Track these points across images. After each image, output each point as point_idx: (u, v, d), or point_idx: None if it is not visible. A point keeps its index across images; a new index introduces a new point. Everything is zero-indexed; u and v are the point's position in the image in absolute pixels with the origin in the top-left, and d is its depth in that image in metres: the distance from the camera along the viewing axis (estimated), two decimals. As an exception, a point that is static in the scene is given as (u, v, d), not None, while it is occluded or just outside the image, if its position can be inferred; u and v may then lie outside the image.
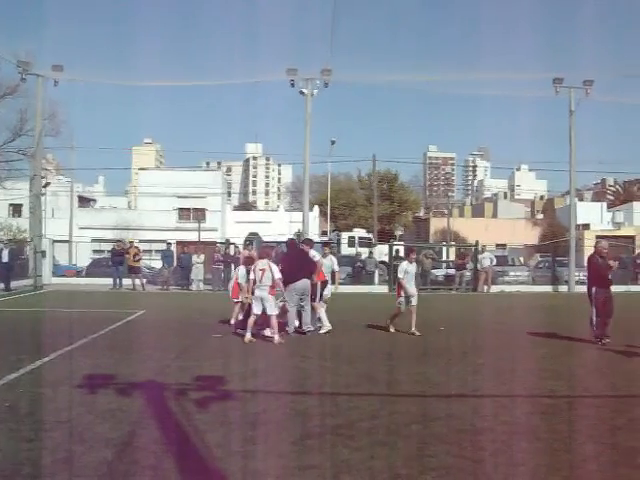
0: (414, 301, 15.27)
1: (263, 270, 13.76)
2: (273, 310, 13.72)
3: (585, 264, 14.60)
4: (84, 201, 74.57)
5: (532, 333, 15.09)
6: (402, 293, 15.24)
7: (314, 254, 15.72)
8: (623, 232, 56.27)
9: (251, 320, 13.82)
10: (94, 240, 53.34)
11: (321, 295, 15.45)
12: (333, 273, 16.97)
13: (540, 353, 12.42)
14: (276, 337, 13.52)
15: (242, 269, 14.83)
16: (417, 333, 14.79)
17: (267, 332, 14.04)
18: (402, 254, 37.79)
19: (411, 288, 15.28)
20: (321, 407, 8.18)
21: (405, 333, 14.85)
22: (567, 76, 35.60)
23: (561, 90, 35.05)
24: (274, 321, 13.74)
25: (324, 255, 16.73)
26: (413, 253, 15.96)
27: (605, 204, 78.22)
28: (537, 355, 12.30)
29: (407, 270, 15.17)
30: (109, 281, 31.99)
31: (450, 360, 11.74)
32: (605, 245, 14.09)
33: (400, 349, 12.96)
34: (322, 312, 15.22)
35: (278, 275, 13.79)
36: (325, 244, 19.52)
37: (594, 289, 13.78)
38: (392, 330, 15.21)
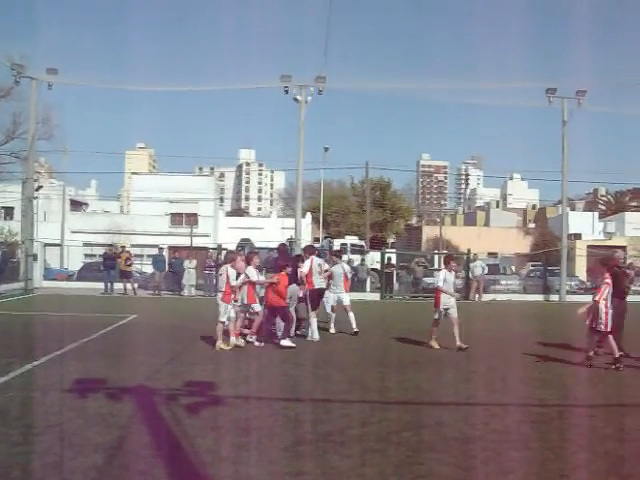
0: (454, 312, 14.27)
1: (221, 276, 14.00)
2: (221, 317, 13.60)
3: (576, 274, 14.58)
4: (76, 205, 74.42)
5: (523, 342, 15.13)
6: (441, 304, 14.31)
7: (320, 262, 15.85)
8: (614, 242, 56.40)
9: (220, 327, 13.68)
10: (86, 244, 53.25)
11: (318, 304, 15.50)
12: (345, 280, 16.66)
13: (531, 362, 12.44)
14: (218, 343, 13.41)
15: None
16: (464, 346, 13.78)
17: (249, 337, 14.21)
18: (394, 261, 37.89)
19: (451, 298, 14.42)
20: (312, 414, 8.18)
21: (446, 348, 13.94)
22: (560, 86, 35.76)
23: (554, 100, 35.16)
24: (231, 326, 13.77)
25: (334, 263, 16.60)
26: (453, 261, 15.17)
27: (597, 214, 78.57)
28: (528, 364, 12.31)
29: (446, 279, 14.34)
30: (100, 285, 31.90)
31: (441, 368, 11.76)
32: (621, 255, 13.93)
33: (391, 356, 12.96)
34: (314, 322, 15.13)
35: (234, 282, 13.76)
36: (334, 252, 19.13)
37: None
38: (436, 346, 14.11)
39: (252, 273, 14.12)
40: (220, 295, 13.80)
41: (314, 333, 15.05)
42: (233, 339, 13.65)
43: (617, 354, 12.03)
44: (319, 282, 15.57)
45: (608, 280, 12.38)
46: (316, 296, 15.42)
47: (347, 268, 16.82)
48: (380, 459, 6.27)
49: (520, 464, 6.26)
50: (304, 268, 15.38)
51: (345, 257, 18.46)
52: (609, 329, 12.12)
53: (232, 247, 34.51)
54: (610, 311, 12.14)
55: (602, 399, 9.61)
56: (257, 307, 14.24)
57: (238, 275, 13.92)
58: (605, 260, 13.00)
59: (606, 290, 12.21)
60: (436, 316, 14.34)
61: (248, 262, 14.40)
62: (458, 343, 13.83)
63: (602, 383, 10.64)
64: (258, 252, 15.42)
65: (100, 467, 5.84)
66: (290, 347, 13.67)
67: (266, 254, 31.71)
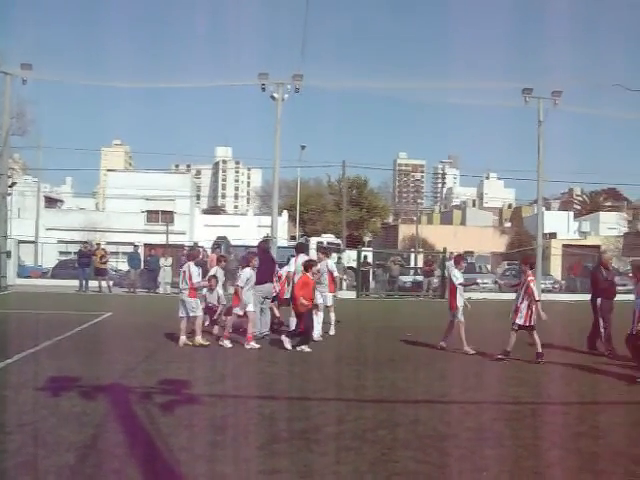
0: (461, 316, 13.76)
1: (184, 272, 13.96)
2: (196, 312, 13.78)
3: (551, 272, 14.67)
4: (51, 202, 73.78)
5: (498, 340, 15.19)
6: (460, 304, 13.74)
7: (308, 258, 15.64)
8: (589, 241, 56.98)
9: (183, 324, 13.82)
10: (60, 241, 52.78)
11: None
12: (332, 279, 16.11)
13: (505, 360, 12.50)
14: (197, 338, 13.57)
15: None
16: (470, 351, 13.28)
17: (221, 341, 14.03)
18: (370, 260, 37.98)
19: (461, 299, 13.83)
20: (287, 412, 8.17)
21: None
22: (536, 86, 36.01)
23: (530, 100, 35.41)
24: (199, 322, 13.88)
25: (319, 260, 15.93)
26: (463, 261, 14.63)
27: (572, 213, 79.20)
28: (502, 362, 12.37)
29: (458, 277, 13.94)
30: (75, 283, 31.67)
31: (416, 366, 11.80)
32: (610, 256, 14.02)
33: (367, 355, 12.98)
34: (293, 322, 14.95)
35: (196, 279, 13.77)
36: (321, 249, 18.37)
37: (599, 300, 13.74)
38: (471, 352, 13.29)
39: (220, 274, 14.24)
40: (186, 292, 13.77)
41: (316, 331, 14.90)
42: (198, 338, 13.68)
43: (540, 349, 12.36)
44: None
45: (531, 277, 12.74)
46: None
47: (333, 266, 16.41)
48: (355, 457, 6.28)
49: (494, 461, 6.30)
50: (290, 267, 15.24)
51: (334, 255, 17.96)
52: (531, 324, 12.49)
53: (208, 245, 34.43)
54: (532, 307, 12.45)
55: (577, 397, 9.69)
56: (244, 309, 13.81)
57: (205, 273, 13.99)
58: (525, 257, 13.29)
59: (533, 286, 12.54)
60: (461, 318, 13.65)
61: (218, 262, 14.88)
62: (465, 348, 13.37)
63: (576, 381, 10.72)
64: (256, 254, 14.96)
65: (73, 466, 5.79)
66: (286, 348, 13.27)
67: (243, 252, 31.74)
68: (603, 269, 13.81)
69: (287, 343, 13.28)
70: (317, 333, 14.85)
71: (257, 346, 13.39)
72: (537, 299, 12.47)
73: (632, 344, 11.16)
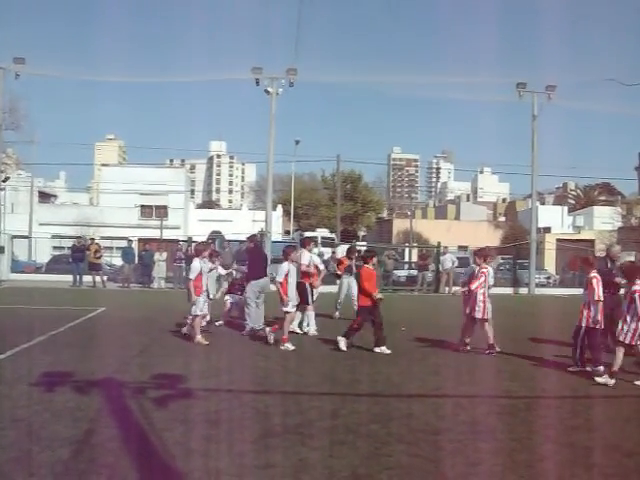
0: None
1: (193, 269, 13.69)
2: (195, 311, 13.31)
3: (545, 267, 14.56)
4: (45, 197, 73.70)
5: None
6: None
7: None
8: (583, 236, 57.02)
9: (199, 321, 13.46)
10: (54, 236, 52.69)
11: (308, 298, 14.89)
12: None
13: (499, 354, 12.53)
14: (198, 337, 13.15)
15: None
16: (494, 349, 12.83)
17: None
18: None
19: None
20: (281, 406, 8.18)
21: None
22: (530, 81, 36.09)
23: (524, 95, 35.49)
24: (198, 322, 13.43)
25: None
26: (489, 257, 13.83)
27: (566, 208, 79.25)
28: (496, 356, 12.40)
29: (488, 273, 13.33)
30: (69, 278, 31.64)
31: (410, 360, 11.82)
32: (618, 250, 13.86)
33: (362, 349, 12.98)
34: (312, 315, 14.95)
35: (192, 276, 13.50)
36: (302, 241, 18.07)
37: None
38: (497, 349, 12.81)
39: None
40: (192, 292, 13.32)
41: (312, 327, 14.94)
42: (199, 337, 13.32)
43: (491, 341, 12.64)
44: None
45: (484, 269, 12.97)
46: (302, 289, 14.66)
47: (317, 259, 15.95)
48: (348, 451, 6.29)
49: (487, 455, 6.31)
50: (304, 260, 14.76)
51: (316, 249, 17.77)
52: (485, 316, 12.68)
53: (202, 239, 34.38)
54: (488, 300, 12.73)
55: (570, 391, 9.72)
56: (288, 308, 13.26)
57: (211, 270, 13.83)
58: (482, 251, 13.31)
59: (482, 278, 12.75)
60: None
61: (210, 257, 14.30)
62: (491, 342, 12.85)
63: (569, 375, 10.75)
64: (296, 247, 14.77)
65: (67, 461, 5.79)
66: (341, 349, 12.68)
67: (237, 246, 31.72)
68: (609, 260, 13.45)
69: (343, 344, 12.67)
70: (313, 328, 14.89)
71: (292, 347, 12.78)
72: (473, 288, 12.79)
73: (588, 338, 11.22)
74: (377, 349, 12.55)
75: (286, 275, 13.16)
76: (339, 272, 18.92)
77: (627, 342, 10.20)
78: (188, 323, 13.90)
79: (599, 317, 10.80)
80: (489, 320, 12.85)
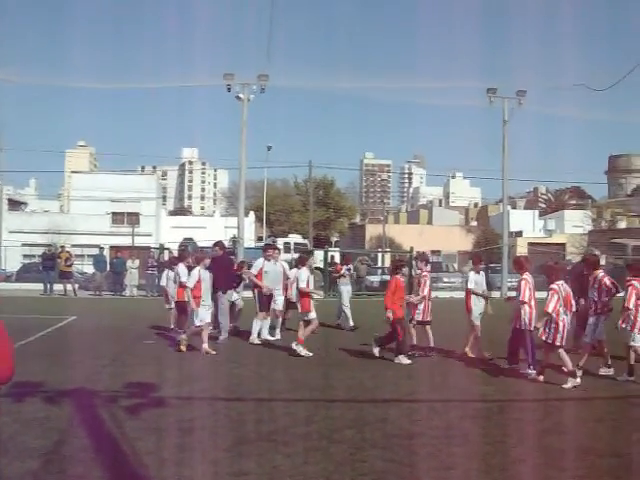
0: (477, 319, 13.09)
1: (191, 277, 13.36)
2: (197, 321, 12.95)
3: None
4: (14, 204, 72.83)
5: (462, 338, 15.25)
6: (474, 307, 13.11)
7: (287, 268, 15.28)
8: (554, 239, 57.60)
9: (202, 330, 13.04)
10: (24, 244, 52.11)
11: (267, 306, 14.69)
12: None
13: (471, 358, 12.56)
14: (204, 346, 12.83)
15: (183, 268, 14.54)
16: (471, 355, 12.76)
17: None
18: (337, 260, 37.99)
19: (482, 301, 13.30)
20: (255, 413, 8.15)
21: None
22: (501, 86, 36.42)
23: (495, 100, 35.76)
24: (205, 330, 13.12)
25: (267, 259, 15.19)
26: (481, 262, 13.65)
27: (537, 212, 79.95)
28: (468, 360, 12.44)
29: (477, 281, 13.40)
30: (40, 286, 31.29)
31: (384, 365, 11.82)
32: (597, 257, 13.99)
33: (334, 355, 12.97)
34: (257, 324, 14.73)
35: (183, 279, 13.48)
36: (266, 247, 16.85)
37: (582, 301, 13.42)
38: (472, 355, 12.73)
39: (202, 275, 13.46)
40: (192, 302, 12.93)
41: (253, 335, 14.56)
42: (205, 346, 12.90)
43: (432, 344, 12.97)
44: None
45: (426, 273, 13.61)
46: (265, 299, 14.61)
47: (286, 266, 15.77)
48: (322, 457, 6.26)
49: (461, 459, 6.33)
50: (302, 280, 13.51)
51: (287, 256, 17.61)
52: (428, 319, 13.17)
53: (174, 246, 34.20)
54: (429, 303, 13.19)
55: (542, 393, 9.77)
56: (312, 315, 13.05)
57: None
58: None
59: (422, 281, 13.45)
60: (473, 322, 13.04)
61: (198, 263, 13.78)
62: (467, 349, 12.91)
63: (546, 379, 10.81)
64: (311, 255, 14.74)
65: (37, 472, 5.71)
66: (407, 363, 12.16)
67: (210, 253, 31.56)
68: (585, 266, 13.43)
69: (376, 350, 12.49)
70: (265, 332, 14.72)
71: (310, 354, 12.60)
72: (424, 295, 13.39)
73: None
74: (398, 358, 12.20)
75: (307, 283, 13.06)
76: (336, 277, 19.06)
77: (553, 343, 10.38)
78: (180, 333, 13.60)
79: (527, 319, 10.97)
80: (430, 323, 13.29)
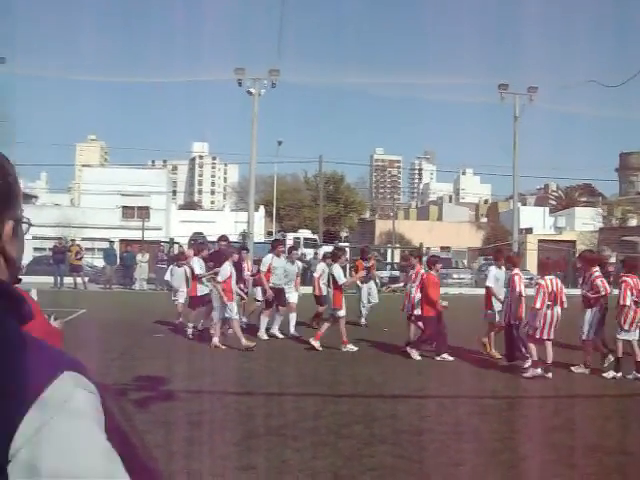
0: (498, 316, 12.30)
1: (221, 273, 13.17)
2: (234, 314, 12.87)
3: (527, 267, 14.62)
4: (25, 198, 73.07)
5: (473, 334, 15.19)
6: (492, 305, 12.49)
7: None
8: (564, 237, 57.34)
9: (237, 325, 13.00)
10: (35, 237, 52.29)
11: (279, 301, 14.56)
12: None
13: (477, 354, 12.54)
14: (243, 341, 12.61)
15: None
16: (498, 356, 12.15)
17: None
18: (347, 256, 37.96)
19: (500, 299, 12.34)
20: (264, 407, 8.16)
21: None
22: (512, 82, 36.28)
23: (506, 96, 35.62)
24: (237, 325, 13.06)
25: (289, 260, 15.27)
26: (503, 257, 13.13)
27: (547, 209, 79.60)
28: (478, 356, 12.42)
29: (497, 277, 12.64)
30: (50, 279, 31.40)
31: (393, 361, 11.82)
32: (608, 254, 14.00)
33: (344, 350, 12.97)
34: (264, 319, 14.59)
35: (198, 272, 13.57)
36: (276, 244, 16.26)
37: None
38: (498, 356, 12.18)
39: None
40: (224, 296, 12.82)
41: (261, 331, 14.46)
42: (215, 340, 12.91)
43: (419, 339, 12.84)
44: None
45: (419, 268, 13.28)
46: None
47: (300, 265, 15.80)
48: (331, 452, 6.27)
49: (470, 455, 6.32)
50: (339, 277, 13.30)
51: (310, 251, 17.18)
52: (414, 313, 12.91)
53: (184, 240, 34.26)
54: (417, 296, 12.77)
55: (553, 390, 9.76)
56: (342, 312, 12.89)
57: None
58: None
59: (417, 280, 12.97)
60: (488, 319, 12.62)
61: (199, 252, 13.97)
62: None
63: (555, 376, 10.79)
64: (343, 251, 14.55)
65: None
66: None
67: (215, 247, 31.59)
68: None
69: (415, 354, 12.12)
70: (293, 329, 14.74)
71: (355, 348, 12.64)
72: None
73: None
74: (438, 357, 12.13)
75: (342, 279, 13.01)
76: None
77: (540, 336, 10.66)
78: (189, 327, 13.97)
79: (520, 313, 11.16)
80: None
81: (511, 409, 8.50)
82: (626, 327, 10.66)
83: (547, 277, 10.99)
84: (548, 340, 10.65)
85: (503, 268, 12.77)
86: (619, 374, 10.54)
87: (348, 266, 21.71)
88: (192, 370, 10.55)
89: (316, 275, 15.67)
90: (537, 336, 10.65)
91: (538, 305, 10.59)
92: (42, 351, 1.21)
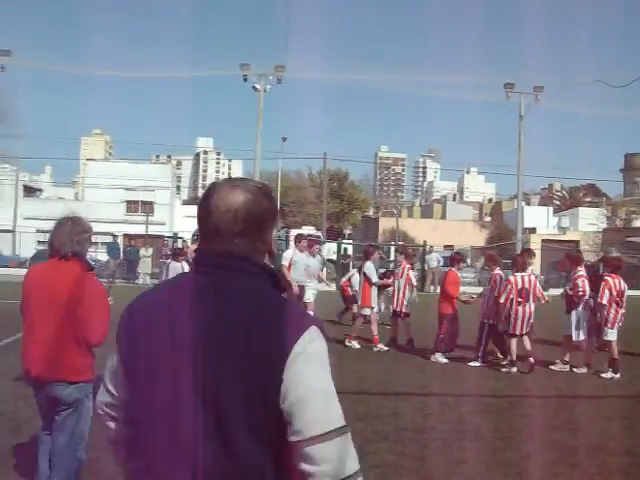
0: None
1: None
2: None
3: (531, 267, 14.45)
4: (30, 191, 73.12)
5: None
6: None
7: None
8: (568, 237, 57.27)
9: None
10: (39, 231, 52.35)
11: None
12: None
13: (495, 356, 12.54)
14: None
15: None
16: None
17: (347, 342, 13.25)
18: (350, 252, 38.00)
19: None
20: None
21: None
22: (518, 81, 36.21)
23: (512, 95, 35.56)
24: None
25: (310, 253, 14.77)
26: (533, 256, 12.87)
27: (551, 209, 79.49)
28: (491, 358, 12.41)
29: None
30: (53, 273, 31.42)
31: (396, 358, 11.82)
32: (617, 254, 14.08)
33: (345, 347, 12.97)
34: None
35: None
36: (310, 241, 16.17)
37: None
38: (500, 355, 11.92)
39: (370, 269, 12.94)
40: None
41: None
42: None
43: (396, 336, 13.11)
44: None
45: (409, 266, 13.70)
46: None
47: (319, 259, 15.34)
48: (333, 449, 6.26)
49: (471, 454, 6.33)
50: (372, 275, 13.21)
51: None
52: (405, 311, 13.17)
53: (188, 236, 34.27)
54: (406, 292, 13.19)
55: (554, 390, 9.76)
56: (367, 311, 12.89)
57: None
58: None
59: (410, 273, 13.54)
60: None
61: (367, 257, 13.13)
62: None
63: (554, 375, 10.80)
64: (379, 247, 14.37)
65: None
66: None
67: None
68: (602, 265, 13.35)
69: (440, 358, 11.79)
70: None
71: (385, 348, 12.58)
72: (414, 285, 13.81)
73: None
74: (435, 356, 11.88)
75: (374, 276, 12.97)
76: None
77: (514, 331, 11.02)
78: None
79: (495, 312, 11.31)
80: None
81: (513, 408, 8.50)
82: (609, 326, 10.91)
83: (518, 274, 11.15)
84: (522, 335, 10.99)
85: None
86: (617, 375, 10.60)
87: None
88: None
89: (285, 263, 14.58)
90: (511, 332, 11.02)
91: (502, 300, 10.97)
92: (297, 309, 1.98)
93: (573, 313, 11.20)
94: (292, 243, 15.12)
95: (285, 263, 13.66)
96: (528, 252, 13.47)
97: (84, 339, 4.42)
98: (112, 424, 2.06)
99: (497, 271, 11.74)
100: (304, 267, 13.93)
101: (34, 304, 4.40)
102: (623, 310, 11.09)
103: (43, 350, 4.32)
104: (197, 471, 1.74)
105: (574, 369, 11.07)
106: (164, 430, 1.80)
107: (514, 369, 10.83)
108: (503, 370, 10.90)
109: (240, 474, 1.74)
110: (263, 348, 1.76)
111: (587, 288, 11.20)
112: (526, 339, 11.01)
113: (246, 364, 1.75)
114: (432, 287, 33.37)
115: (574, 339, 11.16)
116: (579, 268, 11.50)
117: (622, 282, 11.21)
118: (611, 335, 10.92)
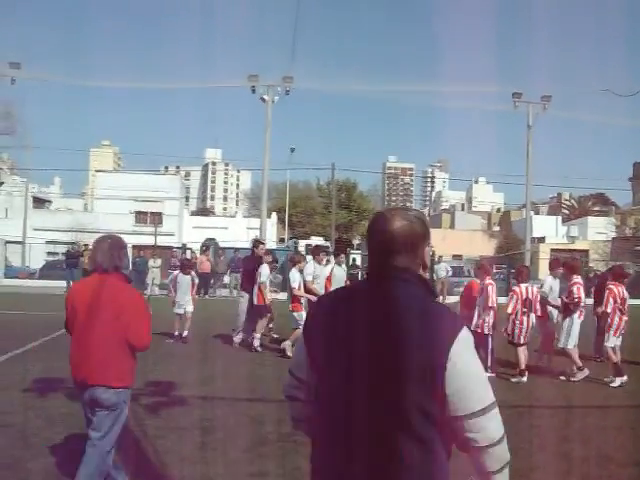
0: (550, 324, 12.32)
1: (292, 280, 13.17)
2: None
3: (539, 277, 14.52)
4: (39, 202, 73.46)
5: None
6: (552, 311, 12.25)
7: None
8: (577, 246, 57.15)
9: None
10: (48, 242, 52.56)
11: None
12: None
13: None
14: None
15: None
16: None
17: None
18: (359, 263, 38.02)
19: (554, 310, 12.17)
20: (276, 414, 8.15)
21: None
22: (526, 91, 36.25)
23: (520, 104, 35.59)
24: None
25: (338, 263, 15.01)
26: (560, 266, 12.48)
27: (560, 218, 79.33)
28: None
29: (553, 287, 12.26)
30: (63, 284, 31.51)
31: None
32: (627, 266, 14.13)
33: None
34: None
35: (294, 284, 12.95)
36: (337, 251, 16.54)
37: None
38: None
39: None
40: (290, 306, 12.91)
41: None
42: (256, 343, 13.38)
43: None
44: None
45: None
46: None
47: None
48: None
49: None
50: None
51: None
52: None
53: (197, 246, 34.33)
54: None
55: (564, 400, 9.73)
56: None
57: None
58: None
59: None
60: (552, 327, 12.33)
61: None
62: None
63: (563, 385, 10.77)
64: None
65: (60, 468, 5.76)
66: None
67: (231, 254, 31.71)
68: (611, 275, 13.22)
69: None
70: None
71: None
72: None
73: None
74: None
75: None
76: None
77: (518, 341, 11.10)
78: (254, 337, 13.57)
79: (491, 323, 11.35)
80: None
81: (521, 419, 8.47)
82: (612, 333, 11.07)
83: (522, 285, 11.26)
84: (522, 345, 11.11)
85: (557, 278, 12.41)
86: (624, 378, 10.65)
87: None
88: (204, 376, 10.57)
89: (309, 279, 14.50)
90: (516, 341, 11.10)
91: (509, 310, 11.11)
92: (450, 312, 2.32)
93: (567, 320, 11.27)
94: (309, 257, 14.80)
95: (309, 278, 13.18)
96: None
97: (131, 345, 4.73)
98: (296, 404, 2.56)
99: (488, 280, 11.72)
100: (336, 278, 13.73)
101: (81, 317, 4.72)
102: (626, 317, 11.20)
103: (91, 356, 4.64)
104: (384, 443, 2.25)
105: (571, 378, 11.12)
106: (342, 411, 2.27)
107: (524, 379, 10.88)
108: (513, 380, 10.91)
109: (417, 449, 2.32)
110: (428, 341, 2.18)
111: (582, 295, 11.33)
112: (524, 349, 11.18)
113: (415, 355, 2.17)
114: (441, 297, 33.30)
115: (560, 345, 11.28)
116: (575, 276, 11.55)
117: (624, 290, 11.39)
118: (611, 341, 11.05)
